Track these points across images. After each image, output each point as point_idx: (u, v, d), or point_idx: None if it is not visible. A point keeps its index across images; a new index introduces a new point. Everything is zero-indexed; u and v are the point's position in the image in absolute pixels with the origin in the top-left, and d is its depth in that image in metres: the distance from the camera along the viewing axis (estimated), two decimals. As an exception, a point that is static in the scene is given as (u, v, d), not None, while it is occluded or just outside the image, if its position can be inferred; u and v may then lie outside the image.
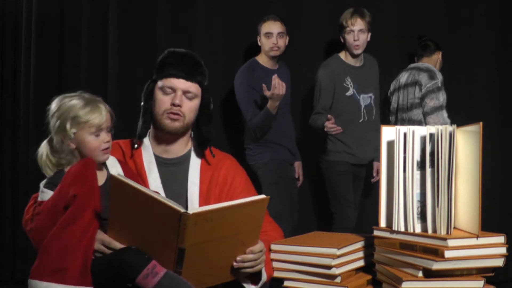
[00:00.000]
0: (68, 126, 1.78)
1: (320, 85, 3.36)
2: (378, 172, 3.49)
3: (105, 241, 1.65)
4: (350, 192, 3.38)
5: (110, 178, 1.61)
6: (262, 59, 3.43)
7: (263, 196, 1.66)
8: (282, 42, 3.40)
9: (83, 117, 1.81)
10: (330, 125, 3.10)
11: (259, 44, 3.43)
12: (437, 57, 3.60)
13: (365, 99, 3.42)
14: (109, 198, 1.63)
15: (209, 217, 1.55)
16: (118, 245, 1.64)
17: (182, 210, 1.52)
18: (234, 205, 1.60)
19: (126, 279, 1.54)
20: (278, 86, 3.02)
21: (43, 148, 1.83)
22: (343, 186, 3.37)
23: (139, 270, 1.52)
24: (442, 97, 3.40)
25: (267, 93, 3.06)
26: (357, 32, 3.31)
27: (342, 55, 3.44)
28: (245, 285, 1.78)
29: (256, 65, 3.40)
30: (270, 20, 3.40)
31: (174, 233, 1.54)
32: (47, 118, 1.83)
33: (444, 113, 3.39)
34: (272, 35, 3.36)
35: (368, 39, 3.40)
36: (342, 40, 3.42)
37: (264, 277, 1.80)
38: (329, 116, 3.14)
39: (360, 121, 3.39)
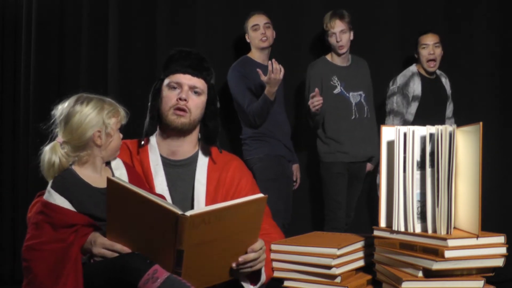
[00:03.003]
0: (107, 117, 1.78)
1: (308, 86, 3.43)
2: (371, 169, 3.55)
3: (106, 244, 1.64)
4: (343, 194, 3.39)
5: (107, 181, 1.60)
6: (253, 55, 3.46)
7: (261, 195, 1.66)
8: (270, 33, 3.45)
9: (116, 110, 1.81)
10: (311, 100, 3.15)
11: (248, 40, 3.47)
12: (418, 54, 3.60)
13: (355, 97, 3.45)
14: (104, 202, 1.63)
15: (206, 219, 1.54)
16: (120, 247, 1.63)
17: (180, 212, 1.52)
18: (232, 205, 1.60)
19: (128, 284, 1.53)
20: (275, 71, 3.03)
21: (51, 151, 1.75)
22: (335, 188, 3.38)
23: (140, 275, 1.52)
24: (395, 103, 3.45)
25: (264, 78, 3.07)
26: (338, 33, 3.39)
27: (329, 56, 3.51)
28: (244, 284, 1.77)
29: (249, 61, 3.44)
30: (255, 14, 3.48)
31: (172, 235, 1.54)
32: (59, 119, 1.78)
33: (396, 120, 3.43)
34: (259, 27, 3.42)
35: (351, 38, 3.46)
36: (327, 43, 3.48)
37: (263, 278, 1.80)
38: (316, 89, 3.19)
39: (352, 118, 3.42)
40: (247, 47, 3.57)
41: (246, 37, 3.50)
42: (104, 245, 1.65)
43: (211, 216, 1.55)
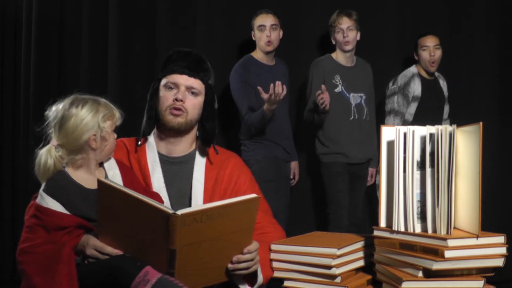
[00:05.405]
0: (101, 121, 1.77)
1: (311, 83, 3.43)
2: (372, 177, 3.55)
3: (98, 246, 1.65)
4: (344, 194, 3.38)
5: (97, 183, 1.59)
6: (257, 55, 3.43)
7: (253, 195, 1.65)
8: (275, 35, 3.41)
9: (111, 112, 1.81)
10: (319, 99, 3.15)
11: (254, 38, 3.45)
12: (418, 56, 3.60)
13: (355, 98, 3.44)
14: (96, 203, 1.63)
15: (198, 218, 1.53)
16: (110, 250, 1.64)
17: (171, 211, 1.51)
18: (223, 205, 1.59)
19: (120, 286, 1.53)
20: (277, 94, 2.93)
21: (47, 154, 1.75)
22: (336, 187, 3.38)
23: (132, 278, 1.52)
24: (395, 103, 3.45)
25: (264, 96, 3.01)
26: (345, 29, 3.38)
27: (334, 55, 3.51)
28: (240, 286, 1.76)
29: (252, 61, 3.41)
30: (263, 14, 3.43)
31: (163, 234, 1.53)
32: (54, 122, 1.78)
33: (397, 119, 3.43)
34: (265, 28, 3.38)
35: (358, 38, 3.45)
36: (334, 42, 3.48)
37: (261, 279, 1.79)
38: (323, 86, 3.18)
39: (351, 118, 3.42)
40: (248, 47, 3.57)
41: (252, 34, 3.46)
42: (95, 247, 1.65)
43: (203, 215, 1.54)
